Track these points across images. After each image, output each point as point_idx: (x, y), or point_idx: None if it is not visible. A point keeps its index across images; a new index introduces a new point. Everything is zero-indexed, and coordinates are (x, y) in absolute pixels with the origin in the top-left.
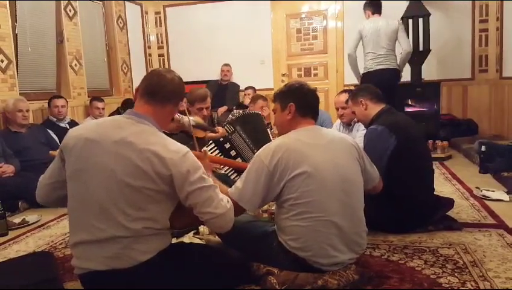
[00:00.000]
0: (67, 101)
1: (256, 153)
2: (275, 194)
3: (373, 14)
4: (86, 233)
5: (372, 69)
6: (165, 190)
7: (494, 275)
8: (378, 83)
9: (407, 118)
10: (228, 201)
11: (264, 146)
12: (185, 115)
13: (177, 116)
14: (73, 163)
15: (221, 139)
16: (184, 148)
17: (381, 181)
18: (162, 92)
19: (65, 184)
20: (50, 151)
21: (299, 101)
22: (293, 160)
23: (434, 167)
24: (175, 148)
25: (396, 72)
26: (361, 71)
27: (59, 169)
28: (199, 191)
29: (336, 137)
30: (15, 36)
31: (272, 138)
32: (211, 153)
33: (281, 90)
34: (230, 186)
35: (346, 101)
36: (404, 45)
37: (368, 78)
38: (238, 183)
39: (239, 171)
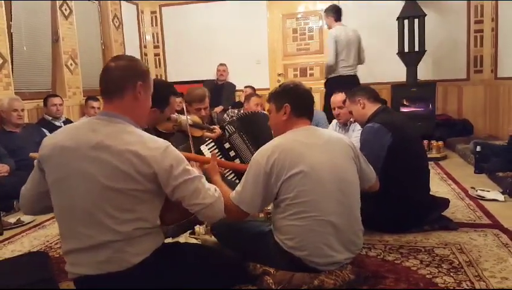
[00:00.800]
0: (62, 100)
1: (253, 156)
2: (274, 194)
3: (336, 21)
4: (76, 241)
5: (344, 74)
6: (151, 188)
7: (489, 274)
8: (347, 87)
9: (403, 117)
10: (216, 190)
11: (260, 148)
12: (182, 114)
13: (174, 115)
14: (52, 172)
15: (222, 138)
16: (164, 143)
17: (378, 181)
18: (110, 84)
19: (48, 194)
20: (30, 154)
21: (295, 102)
22: (289, 160)
23: (429, 167)
24: (155, 145)
25: (358, 78)
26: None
27: (39, 180)
28: (185, 184)
29: (332, 137)
30: (10, 35)
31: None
32: (209, 149)
33: (276, 91)
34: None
35: (344, 101)
36: (363, 57)
37: (339, 82)
38: (238, 187)
39: (238, 172)
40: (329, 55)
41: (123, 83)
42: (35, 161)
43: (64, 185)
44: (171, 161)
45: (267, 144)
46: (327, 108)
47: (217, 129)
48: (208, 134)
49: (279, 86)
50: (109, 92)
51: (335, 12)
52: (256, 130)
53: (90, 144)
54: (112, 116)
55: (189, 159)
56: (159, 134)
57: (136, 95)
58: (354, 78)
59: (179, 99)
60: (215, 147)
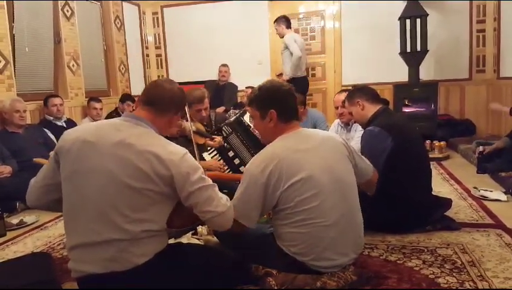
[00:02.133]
0: (63, 100)
1: (246, 167)
2: (272, 205)
3: (287, 28)
4: (83, 236)
5: (297, 76)
6: (165, 191)
7: (492, 275)
8: (303, 87)
9: (404, 118)
10: (228, 199)
11: (252, 159)
12: (186, 120)
13: (178, 121)
14: (69, 165)
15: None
16: (182, 150)
17: (376, 173)
18: (159, 101)
19: (58, 187)
20: (34, 159)
21: (280, 107)
22: (286, 171)
23: (432, 167)
24: (174, 150)
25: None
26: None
27: (53, 172)
28: (200, 191)
29: (324, 138)
30: (12, 37)
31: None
32: (210, 155)
33: (257, 96)
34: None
35: (344, 101)
36: (307, 62)
37: (297, 82)
38: (233, 201)
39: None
40: (295, 49)
41: (171, 105)
42: (51, 153)
43: (79, 179)
44: (188, 167)
45: (258, 153)
46: None
47: (217, 138)
48: (209, 142)
49: (259, 88)
50: (154, 105)
51: (285, 21)
52: (249, 128)
53: (113, 141)
54: (139, 119)
55: None
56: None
57: (173, 118)
58: (306, 79)
59: None
60: (215, 151)
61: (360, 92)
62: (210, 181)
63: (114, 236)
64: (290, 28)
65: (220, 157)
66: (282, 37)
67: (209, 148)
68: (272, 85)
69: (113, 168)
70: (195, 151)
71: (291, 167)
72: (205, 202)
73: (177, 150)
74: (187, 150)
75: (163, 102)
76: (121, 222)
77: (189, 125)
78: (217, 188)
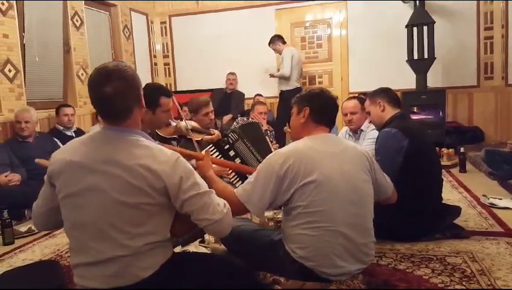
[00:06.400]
0: (74, 110)
1: (267, 157)
2: (283, 200)
3: (283, 44)
4: (86, 255)
5: (295, 87)
6: (162, 201)
7: (502, 283)
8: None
9: (419, 125)
10: (225, 205)
11: (274, 151)
12: (181, 119)
13: (173, 122)
14: (63, 188)
15: (226, 146)
16: (174, 155)
17: (395, 193)
18: (112, 113)
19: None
20: (36, 160)
21: (315, 107)
22: (304, 167)
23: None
24: (165, 158)
25: (302, 89)
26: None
27: (51, 195)
28: (194, 198)
29: (348, 146)
30: (23, 46)
31: (271, 146)
32: (211, 154)
33: (301, 94)
34: None
35: (361, 106)
36: (303, 73)
37: (293, 94)
38: (247, 185)
39: (241, 175)
40: (287, 67)
41: (127, 108)
42: (45, 177)
43: (75, 201)
44: (181, 172)
45: (283, 148)
46: (283, 119)
47: (216, 131)
48: (207, 137)
49: (306, 90)
50: (111, 119)
51: (279, 38)
52: (255, 137)
53: (101, 159)
54: (120, 131)
55: (182, 155)
56: (161, 139)
57: (139, 111)
58: (300, 90)
59: (184, 108)
60: (219, 154)
61: (383, 93)
62: (206, 187)
63: (117, 253)
64: (285, 42)
65: (219, 155)
66: (281, 53)
67: (210, 146)
68: (317, 89)
69: (106, 187)
70: (197, 149)
71: (309, 165)
72: (201, 209)
73: (167, 158)
74: (179, 155)
75: (116, 112)
76: (122, 238)
77: (184, 124)
78: (213, 194)
